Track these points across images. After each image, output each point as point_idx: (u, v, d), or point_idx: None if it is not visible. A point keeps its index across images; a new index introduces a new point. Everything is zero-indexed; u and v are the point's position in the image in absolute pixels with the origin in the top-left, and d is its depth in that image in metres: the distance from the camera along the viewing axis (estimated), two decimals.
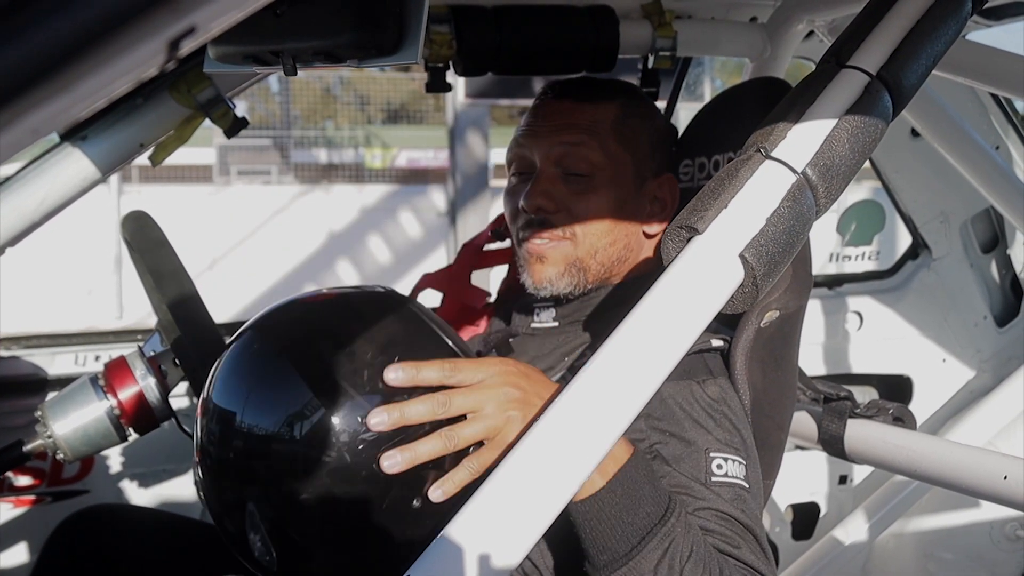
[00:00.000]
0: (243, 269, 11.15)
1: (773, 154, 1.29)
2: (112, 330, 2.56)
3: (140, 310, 9.69)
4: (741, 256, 1.23)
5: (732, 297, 1.26)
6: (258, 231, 13.52)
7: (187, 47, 0.49)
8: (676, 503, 1.31)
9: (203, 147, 20.05)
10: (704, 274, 1.24)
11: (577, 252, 1.81)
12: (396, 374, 1.27)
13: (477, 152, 10.94)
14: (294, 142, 23.16)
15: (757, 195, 1.26)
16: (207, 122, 2.00)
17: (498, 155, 12.34)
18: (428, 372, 1.28)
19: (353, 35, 1.29)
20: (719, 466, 1.52)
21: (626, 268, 1.87)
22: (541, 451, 1.13)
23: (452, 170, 11.32)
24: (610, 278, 1.85)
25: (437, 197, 14.42)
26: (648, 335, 1.20)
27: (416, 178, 21.41)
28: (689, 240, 1.27)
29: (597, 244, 1.81)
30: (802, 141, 1.30)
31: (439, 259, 11.05)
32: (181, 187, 17.34)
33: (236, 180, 21.18)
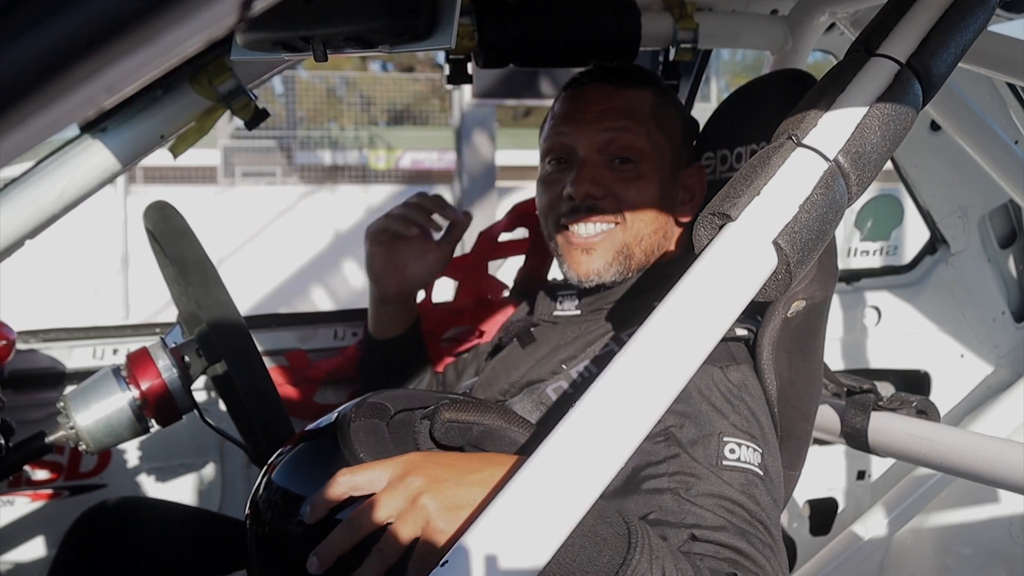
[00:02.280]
0: (249, 269, 11.15)
1: (805, 141, 1.28)
2: (131, 323, 2.56)
3: (147, 310, 9.71)
4: (775, 243, 1.23)
5: (765, 284, 1.25)
6: (264, 231, 13.52)
7: (259, 7, 0.48)
8: (636, 534, 1.24)
9: (208, 148, 20.04)
10: (737, 261, 1.23)
11: (625, 238, 1.82)
12: (307, 513, 1.27)
13: (484, 152, 10.95)
14: (299, 143, 23.16)
15: (790, 182, 1.26)
16: None
17: (503, 156, 12.40)
18: (331, 492, 1.26)
19: (386, 20, 1.28)
20: (732, 451, 1.50)
21: (658, 256, 1.87)
22: (575, 441, 1.12)
23: (459, 170, 11.32)
24: (646, 266, 1.86)
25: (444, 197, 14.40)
26: (681, 322, 1.19)
27: (420, 179, 21.39)
28: (722, 227, 1.27)
29: (643, 231, 1.83)
30: (833, 129, 1.29)
31: None
32: (186, 187, 17.35)
33: (241, 182, 21.18)
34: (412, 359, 2.23)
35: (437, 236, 2.15)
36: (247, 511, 1.43)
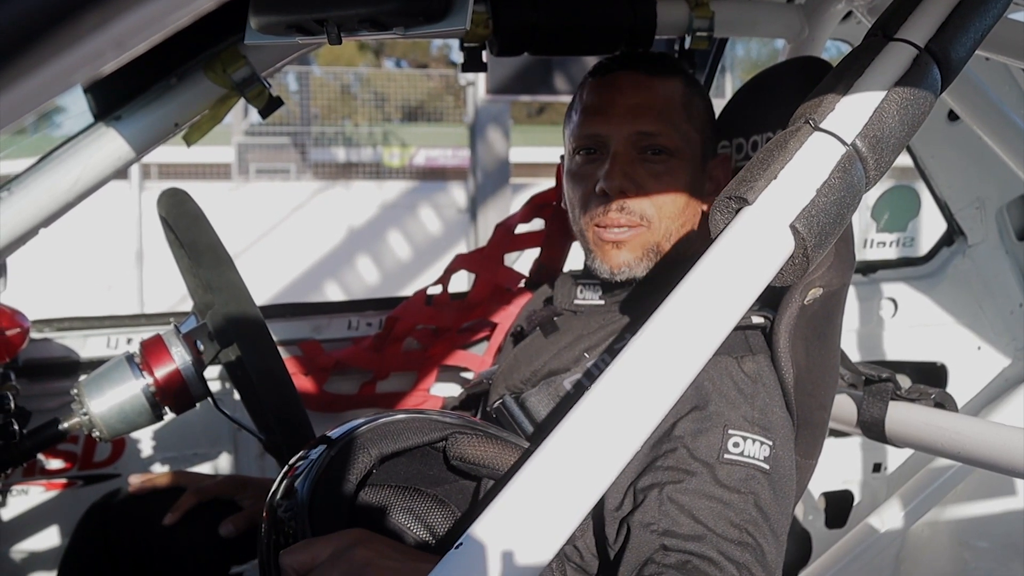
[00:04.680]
0: (263, 265, 11.16)
1: (822, 126, 1.28)
2: (145, 313, 2.56)
3: (161, 306, 9.72)
4: (792, 227, 1.22)
5: (782, 269, 1.24)
6: (278, 227, 13.54)
7: None
8: None
9: (222, 145, 20.05)
10: (754, 245, 1.22)
11: (654, 237, 1.80)
12: None
13: (498, 148, 10.95)
14: (312, 140, 23.17)
15: (807, 166, 1.25)
16: (224, 120, 2.01)
17: (517, 153, 12.39)
18: None
19: (399, 2, 1.28)
20: (736, 444, 1.50)
21: (682, 245, 1.85)
22: (584, 430, 1.11)
23: (473, 166, 11.33)
24: (674, 257, 1.83)
25: (457, 193, 14.43)
26: (697, 306, 1.18)
27: (434, 176, 21.40)
28: (738, 211, 1.26)
29: (671, 227, 1.81)
30: (851, 113, 1.28)
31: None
32: (200, 183, 17.38)
33: (255, 178, 21.21)
34: None
35: None
36: (264, 513, 1.42)
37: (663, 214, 1.79)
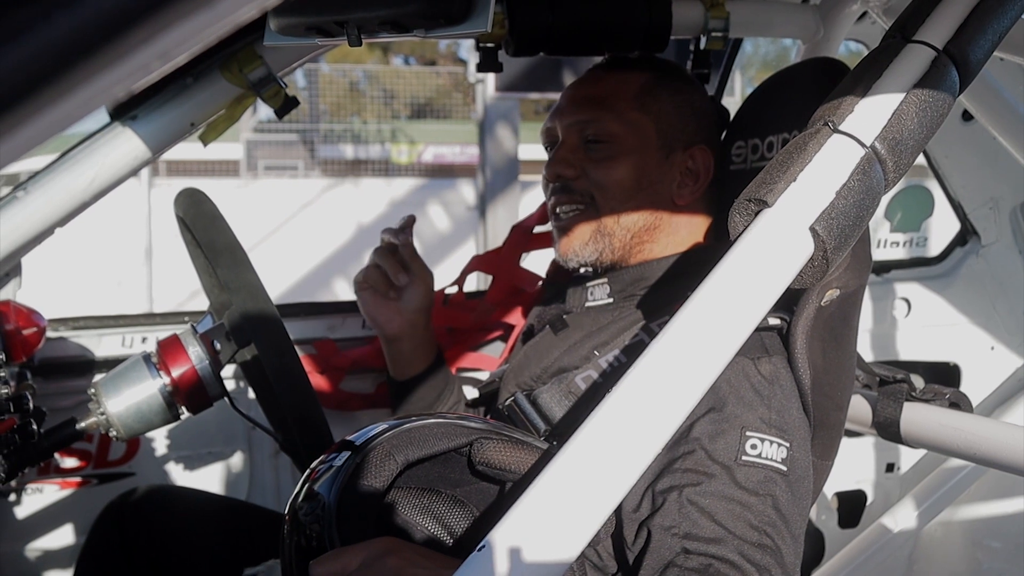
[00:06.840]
0: (272, 262, 11.16)
1: (841, 128, 1.28)
2: (160, 312, 2.56)
3: (170, 301, 9.75)
4: (811, 229, 1.22)
5: (801, 271, 1.25)
6: (287, 224, 13.54)
7: None
8: None
9: (230, 142, 20.03)
10: (774, 247, 1.22)
11: (600, 216, 1.88)
12: None
13: (507, 145, 10.93)
14: (321, 137, 23.14)
15: (826, 168, 1.25)
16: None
17: (526, 150, 12.40)
18: None
19: (421, 3, 1.28)
20: (753, 446, 1.50)
21: (659, 236, 1.90)
22: (606, 432, 1.11)
23: (482, 163, 11.31)
24: (641, 246, 1.89)
25: (466, 190, 14.43)
26: (717, 309, 1.18)
27: (442, 173, 21.37)
28: (758, 213, 1.26)
29: (618, 208, 1.88)
30: (870, 115, 1.28)
31: (469, 252, 11.02)
32: (209, 180, 17.38)
33: (263, 175, 21.20)
34: (441, 393, 2.21)
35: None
36: (286, 516, 1.42)
37: (606, 195, 1.88)
